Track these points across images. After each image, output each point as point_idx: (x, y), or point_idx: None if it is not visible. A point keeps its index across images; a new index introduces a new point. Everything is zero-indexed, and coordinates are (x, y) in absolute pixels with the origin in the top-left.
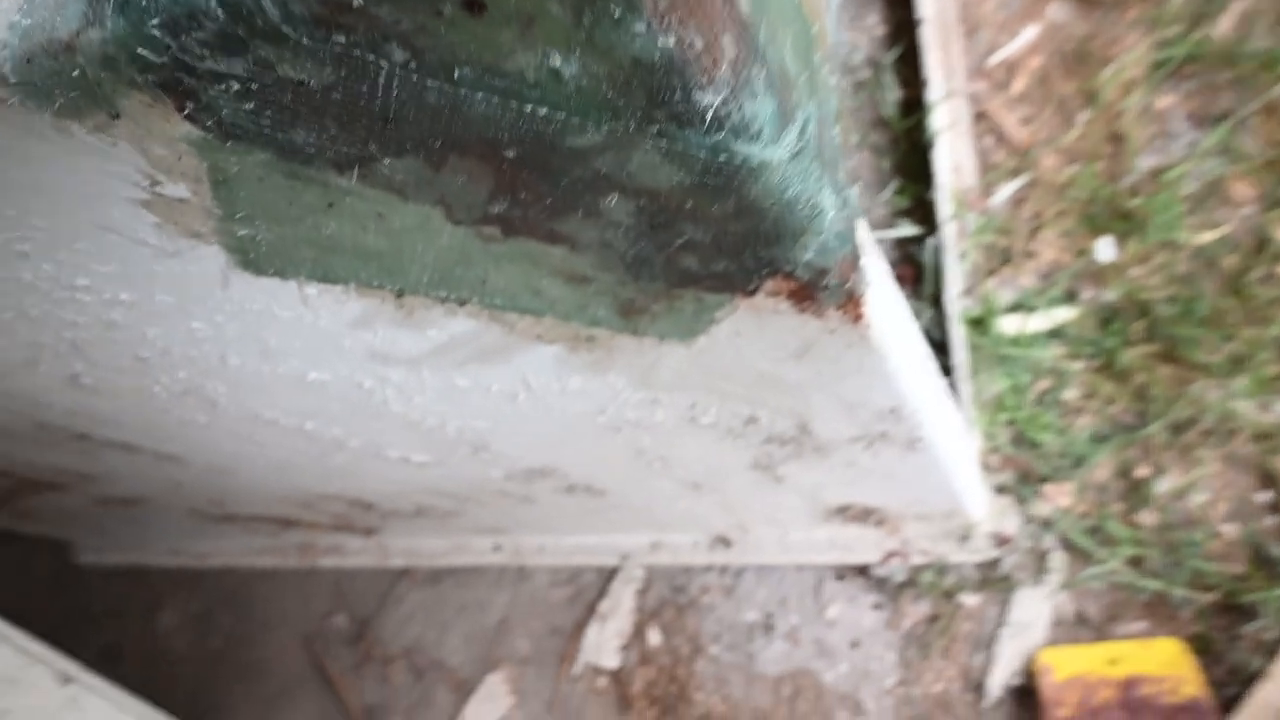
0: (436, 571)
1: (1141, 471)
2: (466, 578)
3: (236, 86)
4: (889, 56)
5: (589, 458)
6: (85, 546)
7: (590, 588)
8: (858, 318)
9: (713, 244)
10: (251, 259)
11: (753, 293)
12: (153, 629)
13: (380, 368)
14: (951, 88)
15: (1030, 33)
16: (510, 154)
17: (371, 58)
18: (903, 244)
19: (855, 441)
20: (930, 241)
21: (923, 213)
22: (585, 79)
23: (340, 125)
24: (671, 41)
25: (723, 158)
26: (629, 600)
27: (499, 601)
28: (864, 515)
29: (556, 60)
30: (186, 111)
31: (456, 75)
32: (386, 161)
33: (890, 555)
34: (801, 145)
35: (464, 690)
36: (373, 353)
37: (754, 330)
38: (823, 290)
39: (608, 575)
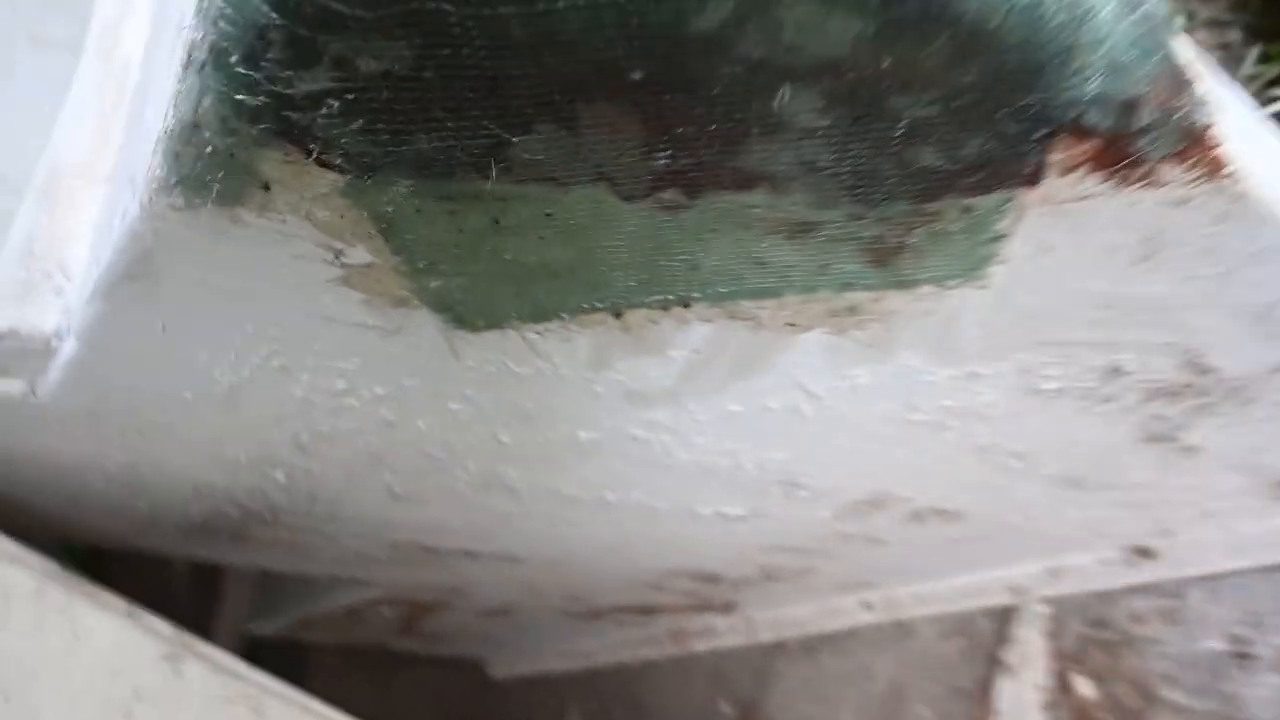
0: (809, 641)
1: None
2: (843, 643)
3: (336, 104)
4: None
5: (922, 472)
6: (495, 660)
7: (987, 635)
8: (1217, 166)
9: (949, 117)
10: (460, 314)
11: (1036, 177)
12: None
13: (643, 411)
14: None
15: None
16: (638, 75)
17: (433, 4)
18: None
19: None
20: None
21: None
22: None
23: (451, 112)
24: None
25: None
26: (1039, 644)
27: (884, 665)
28: None
29: None
30: (314, 154)
31: None
32: (518, 141)
33: None
34: None
35: None
36: (628, 394)
37: (1065, 238)
38: (1141, 137)
39: (1003, 617)
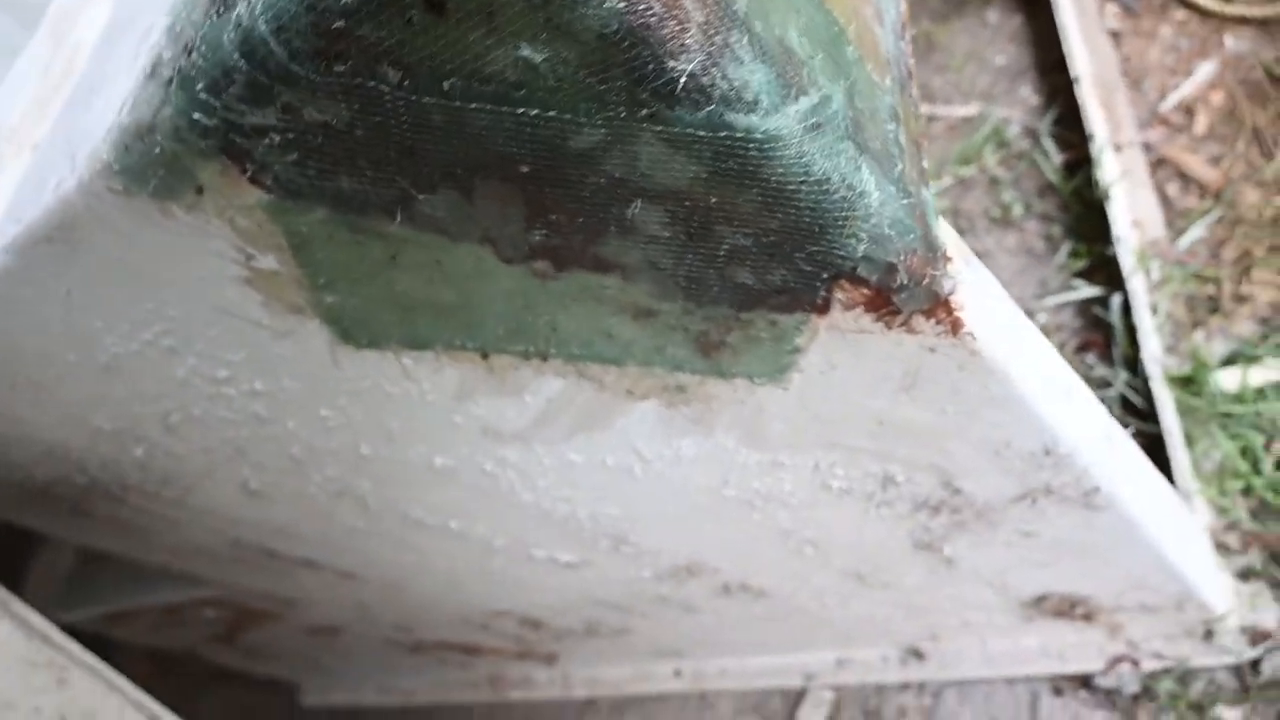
0: (620, 702)
1: None
2: (650, 708)
3: (278, 139)
4: (1045, 122)
5: (732, 547)
6: (310, 686)
7: (777, 715)
8: (956, 326)
9: (759, 248)
10: (347, 329)
11: (824, 306)
12: None
13: (496, 447)
14: (1120, 139)
15: (1206, 69)
16: (525, 169)
17: (371, 83)
18: (1086, 310)
19: (1019, 500)
20: (1115, 299)
21: (1106, 273)
22: (561, 66)
23: (372, 164)
24: (622, 6)
25: (724, 134)
26: None
27: None
28: (1069, 608)
29: (527, 51)
30: (249, 174)
31: (447, 87)
32: (423, 198)
33: (1116, 661)
34: (819, 120)
35: None
36: (484, 429)
37: (848, 359)
38: (899, 293)
39: (794, 699)
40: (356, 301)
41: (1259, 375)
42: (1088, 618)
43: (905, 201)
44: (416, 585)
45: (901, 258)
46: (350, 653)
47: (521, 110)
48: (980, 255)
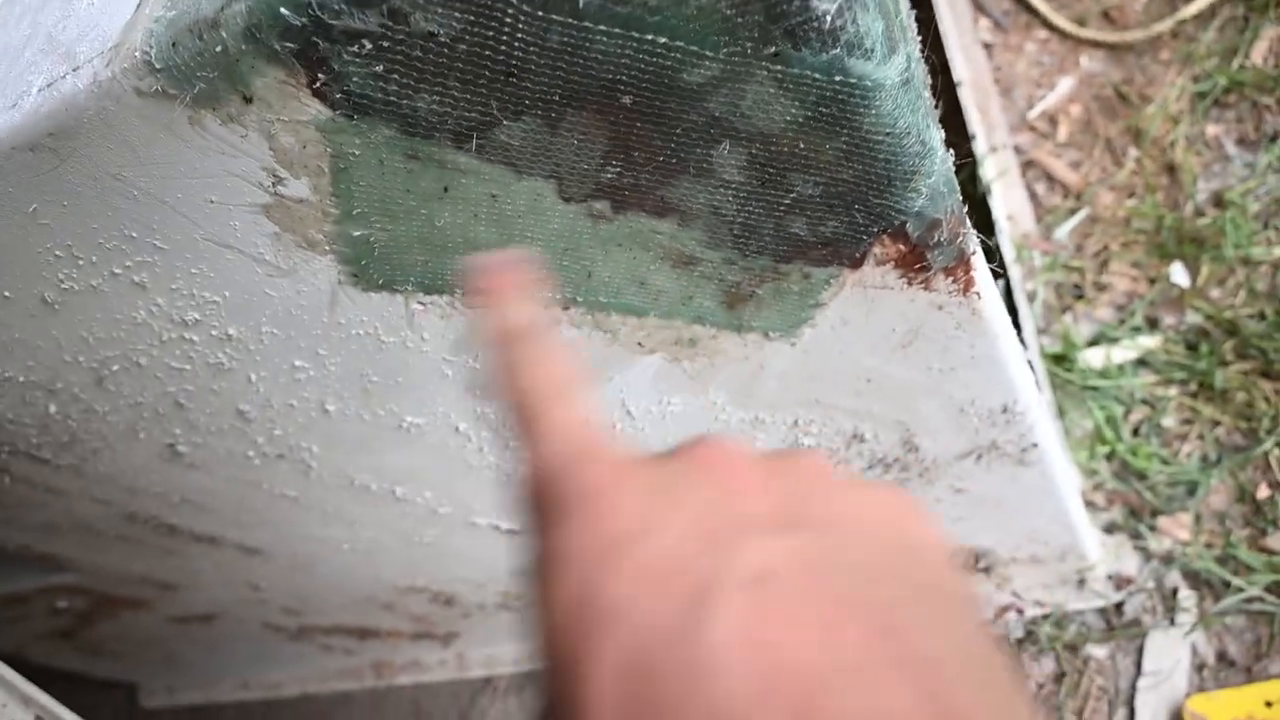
0: (520, 679)
1: (1262, 492)
2: None
3: (369, 46)
4: None
5: None
6: (152, 688)
7: None
8: (968, 285)
9: (824, 198)
10: (364, 267)
11: (860, 260)
12: None
13: (477, 403)
14: (996, 141)
15: (1066, 84)
16: (627, 100)
17: None
18: None
19: (964, 457)
20: (999, 284)
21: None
22: None
23: (464, 84)
24: None
25: (838, 78)
26: None
27: None
28: (974, 561)
29: None
30: (318, 84)
31: (581, 4)
32: (505, 124)
33: (1004, 610)
34: (909, 74)
35: None
36: (472, 383)
37: (860, 316)
38: (934, 249)
39: None
40: (385, 236)
41: (1119, 354)
42: (986, 571)
43: (949, 163)
44: (329, 562)
45: (947, 214)
46: (216, 644)
47: (650, 36)
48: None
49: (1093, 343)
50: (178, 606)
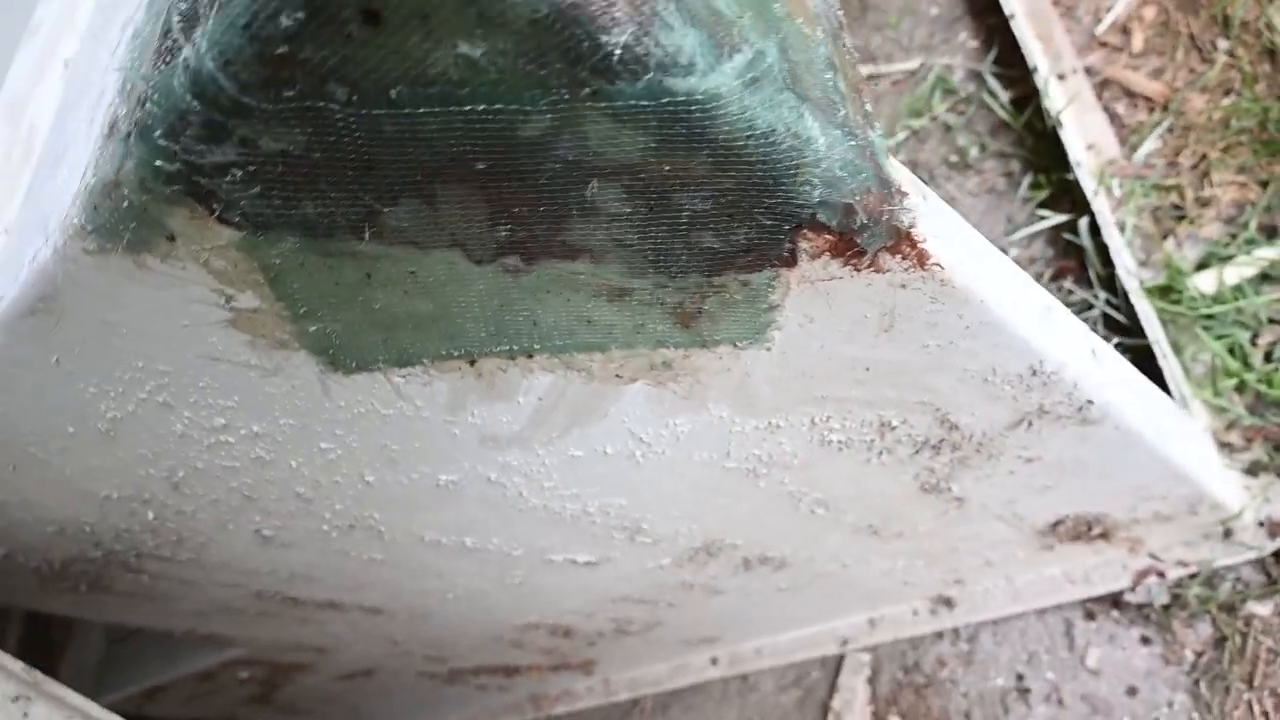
0: (663, 699)
1: None
2: (693, 699)
3: (239, 173)
4: (987, 63)
5: (744, 520)
6: None
7: (819, 684)
8: (922, 258)
9: (719, 210)
10: (334, 356)
11: (791, 259)
12: None
13: (496, 454)
14: (1063, 67)
15: None
16: (482, 166)
17: (321, 103)
18: (1056, 238)
19: (1016, 426)
20: (1083, 222)
21: (1070, 199)
22: (500, 58)
23: (334, 185)
24: None
25: (665, 100)
26: (861, 691)
27: (729, 718)
28: (1086, 529)
29: (465, 47)
30: (217, 213)
31: (394, 96)
32: (387, 211)
33: (1142, 575)
34: (756, 75)
35: None
36: (482, 437)
37: (823, 310)
38: (861, 233)
39: (834, 667)
40: (339, 326)
41: (1234, 273)
42: (1105, 536)
43: (852, 143)
44: (443, 610)
45: (857, 197)
46: (387, 693)
47: (469, 107)
48: (945, 202)
49: (1201, 266)
50: (337, 666)
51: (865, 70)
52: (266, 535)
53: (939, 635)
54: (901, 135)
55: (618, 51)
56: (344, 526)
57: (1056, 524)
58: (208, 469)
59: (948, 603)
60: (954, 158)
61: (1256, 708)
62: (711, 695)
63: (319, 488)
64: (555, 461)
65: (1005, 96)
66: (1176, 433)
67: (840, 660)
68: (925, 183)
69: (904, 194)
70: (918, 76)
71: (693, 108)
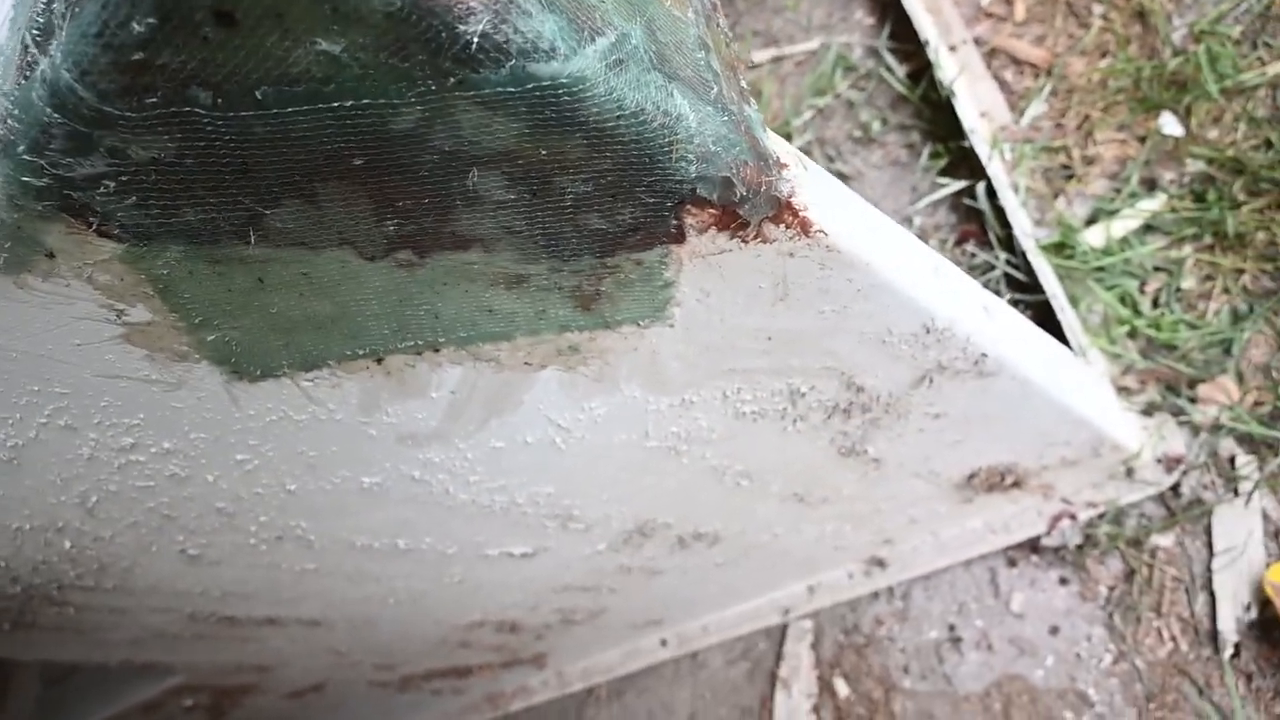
0: (617, 684)
1: None
2: (646, 682)
3: (112, 184)
4: (883, 39)
5: (672, 498)
6: None
7: (765, 655)
8: (805, 226)
9: (601, 191)
10: (236, 364)
11: (679, 235)
12: None
13: (416, 452)
14: (953, 39)
15: None
16: (359, 162)
17: (186, 108)
18: (958, 204)
19: (919, 384)
20: (980, 187)
21: (968, 165)
22: (361, 53)
23: (212, 190)
24: None
25: (530, 85)
26: (806, 657)
27: (682, 697)
28: (1000, 479)
29: (324, 44)
30: (95, 226)
31: (260, 96)
32: (270, 213)
33: (1056, 519)
34: (620, 57)
35: None
36: (400, 436)
37: (717, 283)
38: (742, 205)
39: (778, 636)
40: (237, 333)
41: (1120, 227)
42: (1018, 485)
43: (725, 119)
44: (384, 616)
45: (734, 170)
46: (340, 706)
47: (337, 104)
48: (851, 176)
49: (1091, 221)
50: (283, 684)
51: (769, 53)
52: (192, 554)
53: (874, 595)
54: (808, 114)
55: (476, 40)
56: (271, 538)
57: (971, 477)
58: (121, 491)
59: (880, 563)
60: (858, 133)
61: (1165, 633)
62: (664, 676)
63: (240, 500)
64: (478, 455)
65: (901, 71)
66: (1075, 380)
67: (784, 629)
68: (832, 159)
69: (782, 165)
70: (819, 56)
71: (559, 92)
